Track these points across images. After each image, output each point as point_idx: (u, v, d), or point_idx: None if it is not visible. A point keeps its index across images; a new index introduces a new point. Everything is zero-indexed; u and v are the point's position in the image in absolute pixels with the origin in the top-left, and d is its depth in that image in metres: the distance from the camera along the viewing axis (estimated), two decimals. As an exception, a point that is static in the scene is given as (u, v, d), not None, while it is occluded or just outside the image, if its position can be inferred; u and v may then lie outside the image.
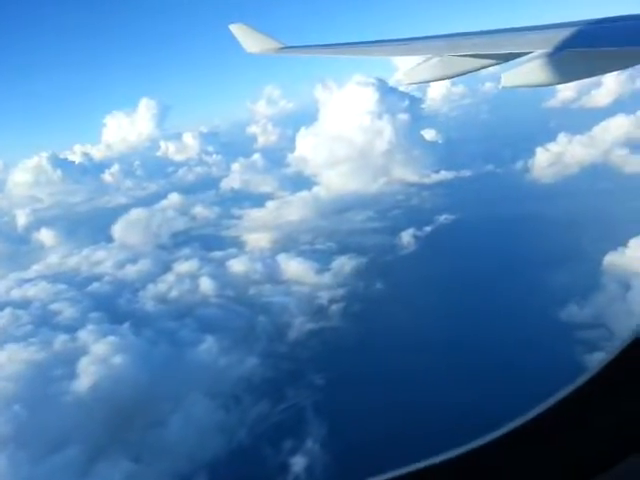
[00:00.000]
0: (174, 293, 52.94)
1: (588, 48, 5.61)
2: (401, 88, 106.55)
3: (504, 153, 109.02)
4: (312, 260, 57.71)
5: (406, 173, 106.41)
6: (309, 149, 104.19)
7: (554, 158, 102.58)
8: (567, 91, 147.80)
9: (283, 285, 53.25)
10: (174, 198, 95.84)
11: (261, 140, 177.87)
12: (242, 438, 30.26)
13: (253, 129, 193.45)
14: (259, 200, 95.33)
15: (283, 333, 42.52)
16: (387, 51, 8.41)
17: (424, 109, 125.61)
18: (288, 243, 68.32)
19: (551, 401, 1.66)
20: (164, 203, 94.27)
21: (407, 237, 62.81)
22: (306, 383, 35.58)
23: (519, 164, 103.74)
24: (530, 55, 5.77)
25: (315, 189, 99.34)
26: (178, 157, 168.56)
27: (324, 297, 48.41)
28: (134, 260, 63.24)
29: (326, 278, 53.38)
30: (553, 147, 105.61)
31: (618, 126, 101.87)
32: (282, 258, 58.62)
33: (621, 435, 1.60)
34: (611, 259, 53.43)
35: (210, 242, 70.63)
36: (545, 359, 43.23)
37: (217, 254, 62.28)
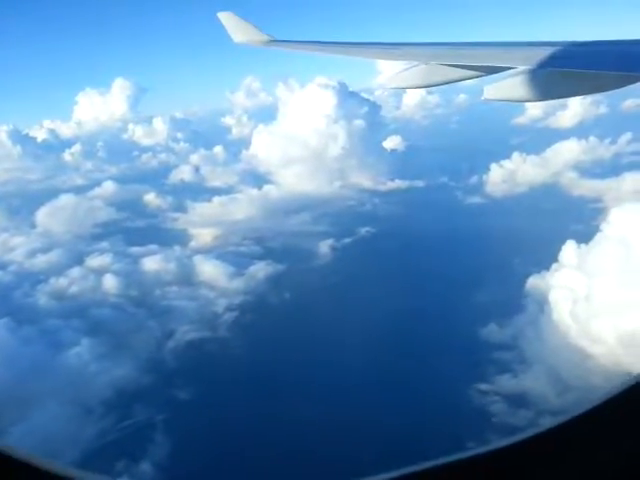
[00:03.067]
0: (74, 289, 51.60)
1: (569, 69, 5.71)
2: (363, 94, 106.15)
3: (462, 166, 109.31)
4: (230, 263, 56.85)
5: (362, 179, 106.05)
6: (264, 147, 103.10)
7: (507, 175, 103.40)
8: (535, 109, 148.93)
9: (191, 288, 52.30)
10: (109, 186, 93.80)
11: (235, 132, 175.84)
12: (76, 455, 29.13)
13: (227, 120, 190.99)
14: (208, 194, 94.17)
15: (164, 341, 41.55)
16: (374, 54, 8.64)
17: (385, 116, 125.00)
18: (218, 243, 67.42)
19: (539, 429, 1.56)
20: (97, 191, 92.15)
21: (325, 247, 62.22)
22: (168, 397, 34.68)
23: (474, 179, 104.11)
24: (513, 70, 5.91)
25: (267, 188, 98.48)
26: (146, 141, 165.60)
27: (222, 304, 47.52)
28: (47, 250, 61.61)
29: (236, 284, 52.60)
30: (508, 164, 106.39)
31: (571, 149, 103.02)
32: (199, 259, 57.58)
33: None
34: (534, 281, 53.64)
35: (139, 235, 69.23)
36: (452, 377, 43.28)
37: (135, 250, 60.93)
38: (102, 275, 53.00)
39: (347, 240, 67.35)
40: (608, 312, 43.34)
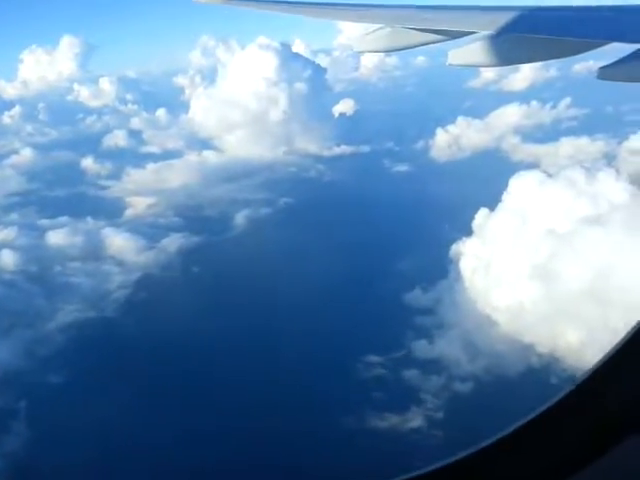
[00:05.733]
0: (-32, 265, 49.52)
1: (531, 34, 5.78)
2: (321, 54, 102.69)
3: (410, 131, 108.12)
4: (142, 236, 55.15)
5: (307, 144, 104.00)
6: (204, 111, 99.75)
7: (452, 140, 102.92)
8: (489, 72, 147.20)
9: (95, 263, 50.66)
10: (27, 153, 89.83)
11: (188, 93, 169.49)
12: None
13: (180, 80, 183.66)
14: (145, 160, 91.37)
15: (46, 322, 40.24)
16: (335, 15, 8.59)
17: (328, 79, 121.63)
18: (140, 213, 65.43)
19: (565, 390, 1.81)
20: (15, 159, 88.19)
21: (240, 218, 60.83)
22: (36, 383, 33.63)
23: (420, 144, 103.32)
24: (476, 35, 6.00)
25: (206, 154, 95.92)
26: (94, 103, 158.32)
27: (118, 281, 46.11)
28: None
29: (143, 258, 51.09)
30: (453, 129, 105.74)
31: (513, 113, 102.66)
32: (110, 232, 55.71)
33: (621, 416, 1.72)
34: (457, 247, 53.73)
35: (58, 206, 66.71)
36: (373, 341, 43.59)
37: (45, 222, 58.66)
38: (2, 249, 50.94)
39: (271, 210, 66.08)
40: (506, 281, 43.80)
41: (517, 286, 42.08)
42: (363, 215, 70.02)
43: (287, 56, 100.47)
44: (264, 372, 37.79)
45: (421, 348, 45.11)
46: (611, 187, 41.82)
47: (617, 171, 46.84)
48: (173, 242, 54.34)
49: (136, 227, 58.05)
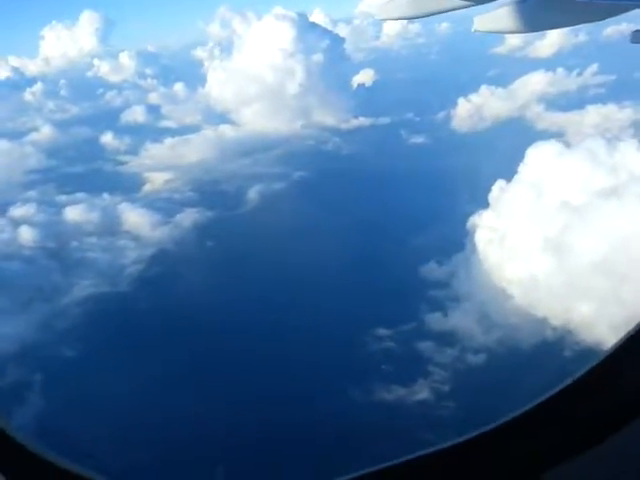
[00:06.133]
0: (-12, 241, 50.78)
1: None
2: (341, 23, 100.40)
3: (432, 100, 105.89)
4: (157, 211, 55.71)
5: (325, 117, 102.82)
6: (219, 84, 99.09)
7: (474, 110, 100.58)
8: (515, 39, 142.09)
9: (111, 238, 51.50)
10: (46, 130, 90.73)
11: (207, 66, 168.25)
12: None
13: (199, 53, 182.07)
14: (163, 135, 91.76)
15: (64, 295, 41.19)
16: None
17: (348, 49, 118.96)
18: (156, 189, 66.04)
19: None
20: (34, 136, 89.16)
21: (254, 193, 60.76)
22: (52, 356, 34.67)
23: (441, 114, 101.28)
24: (501, 0, 5.77)
25: (223, 128, 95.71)
26: (114, 78, 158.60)
27: (132, 256, 46.83)
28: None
29: (158, 233, 51.71)
30: (475, 99, 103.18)
31: (538, 81, 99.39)
32: (125, 207, 56.45)
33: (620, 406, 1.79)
34: (474, 220, 53.15)
35: (78, 182, 67.68)
36: (386, 314, 43.91)
37: (63, 199, 59.68)
38: (22, 225, 52.09)
39: (285, 184, 65.87)
40: (521, 254, 43.17)
41: (531, 259, 41.41)
42: (381, 188, 69.49)
43: (304, 26, 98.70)
44: (274, 345, 38.25)
45: (435, 320, 45.17)
46: (632, 158, 40.33)
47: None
48: (187, 217, 54.82)
49: (152, 202, 58.68)
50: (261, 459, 29.41)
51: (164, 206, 57.69)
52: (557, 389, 1.92)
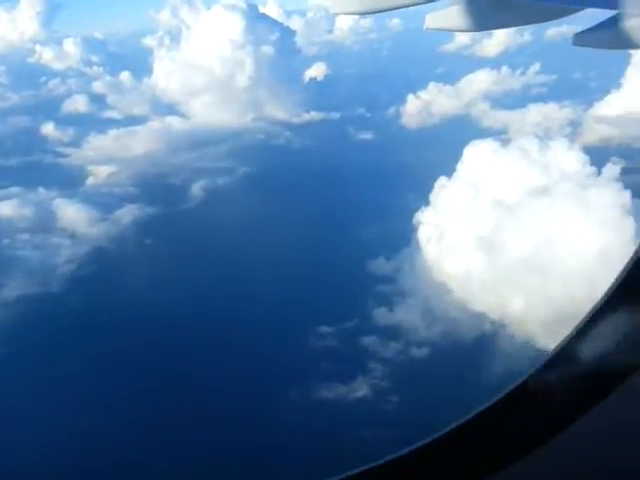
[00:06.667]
0: None
1: None
2: (295, 16, 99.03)
3: (383, 96, 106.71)
4: (96, 207, 53.84)
5: (277, 111, 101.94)
6: (166, 75, 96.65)
7: (422, 106, 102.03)
8: (464, 37, 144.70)
9: (45, 236, 49.44)
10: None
11: (156, 54, 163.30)
12: None
13: (149, 41, 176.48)
14: (107, 126, 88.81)
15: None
16: None
17: (300, 42, 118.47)
18: (97, 183, 63.87)
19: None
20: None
21: (197, 188, 59.66)
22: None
23: (392, 110, 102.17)
24: None
25: (170, 120, 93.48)
26: (57, 65, 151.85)
27: (65, 254, 45.12)
28: None
29: (95, 230, 50.01)
30: (424, 95, 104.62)
31: (484, 79, 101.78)
32: (61, 203, 54.29)
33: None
34: (420, 215, 53.78)
35: (13, 175, 64.71)
36: (332, 310, 43.90)
37: (-4, 193, 56.88)
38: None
39: (231, 179, 64.99)
40: (458, 250, 44.12)
41: (467, 255, 42.43)
42: (330, 183, 69.60)
43: (254, 17, 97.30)
44: (212, 345, 37.70)
45: (381, 315, 45.76)
46: (563, 157, 41.76)
47: (570, 140, 46.90)
48: (127, 213, 53.21)
49: (90, 197, 56.69)
50: (196, 464, 28.96)
51: (103, 201, 55.86)
52: (505, 392, 1.96)
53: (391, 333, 44.52)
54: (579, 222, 35.15)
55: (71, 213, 52.57)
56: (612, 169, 38.99)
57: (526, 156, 43.02)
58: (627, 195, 35.97)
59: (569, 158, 42.56)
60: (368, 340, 43.35)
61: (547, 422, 1.87)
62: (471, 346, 41.66)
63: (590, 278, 30.93)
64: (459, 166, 46.89)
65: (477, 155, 44.93)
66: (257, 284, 46.68)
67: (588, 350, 1.98)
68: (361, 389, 36.67)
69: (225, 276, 46.12)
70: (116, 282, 42.41)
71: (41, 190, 57.76)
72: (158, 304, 39.88)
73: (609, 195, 36.57)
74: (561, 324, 34.78)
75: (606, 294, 1.97)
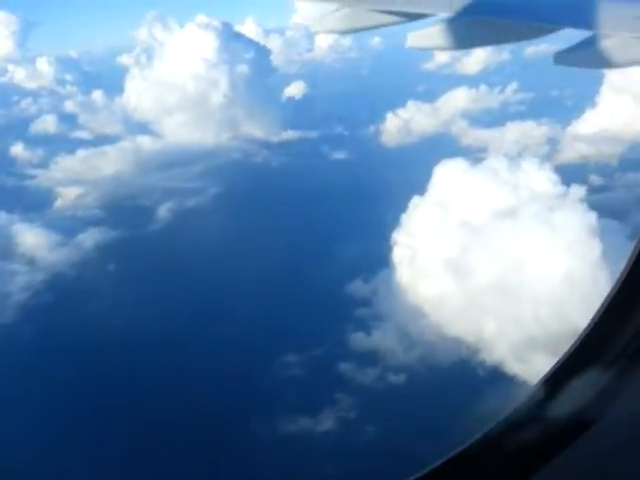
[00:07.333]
0: None
1: (488, 17, 5.96)
2: (274, 34, 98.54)
3: (362, 114, 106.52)
4: (57, 231, 51.47)
5: (253, 129, 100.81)
6: (137, 93, 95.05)
7: (402, 124, 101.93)
8: (443, 55, 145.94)
9: (1, 262, 46.97)
10: None
11: (133, 73, 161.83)
12: None
13: (125, 60, 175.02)
14: (76, 146, 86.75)
15: None
16: None
17: (279, 61, 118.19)
18: (62, 205, 61.61)
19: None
20: None
21: (164, 210, 57.62)
22: None
23: (371, 128, 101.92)
24: (435, 18, 6.16)
25: (142, 139, 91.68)
26: (30, 85, 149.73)
27: (20, 282, 42.77)
28: None
29: (55, 255, 47.67)
30: (403, 113, 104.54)
31: (462, 97, 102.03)
32: (21, 227, 51.90)
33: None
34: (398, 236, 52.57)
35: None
36: (309, 336, 42.57)
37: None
38: None
39: (201, 200, 63.14)
40: (429, 273, 43.04)
41: (437, 278, 41.31)
42: (307, 202, 68.41)
43: (229, 36, 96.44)
44: (172, 376, 35.68)
45: (358, 340, 44.65)
46: (533, 177, 40.95)
47: (548, 158, 46.25)
48: (89, 237, 50.93)
49: (53, 221, 54.38)
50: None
51: (66, 225, 53.54)
52: (500, 420, 2.00)
53: (366, 358, 43.17)
54: (547, 243, 34.26)
55: (30, 238, 50.20)
56: (581, 189, 38.49)
57: (496, 176, 42.08)
58: (594, 216, 35.34)
59: (540, 178, 41.73)
60: (345, 366, 41.93)
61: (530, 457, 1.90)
62: (445, 373, 40.42)
63: (558, 301, 30.28)
64: (430, 186, 45.81)
65: (447, 175, 43.86)
66: (225, 311, 44.87)
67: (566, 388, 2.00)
68: (328, 420, 34.95)
69: (191, 301, 44.12)
70: (72, 310, 40.20)
71: (1, 214, 55.39)
72: (114, 333, 37.68)
73: (577, 216, 35.82)
74: (530, 348, 33.82)
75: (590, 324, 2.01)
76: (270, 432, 32.24)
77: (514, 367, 34.53)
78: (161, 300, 42.44)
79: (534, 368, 31.51)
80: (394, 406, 38.17)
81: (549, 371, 2.11)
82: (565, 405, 2.01)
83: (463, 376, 39.12)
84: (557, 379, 2.06)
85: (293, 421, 33.77)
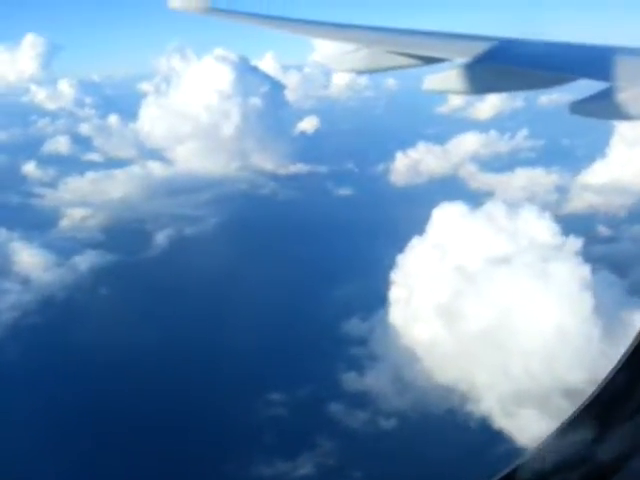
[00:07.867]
0: None
1: (505, 65, 6.06)
2: (293, 70, 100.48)
3: (373, 153, 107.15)
4: (54, 252, 51.36)
5: (263, 161, 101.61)
6: (151, 120, 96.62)
7: (411, 165, 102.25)
8: (457, 99, 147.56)
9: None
10: None
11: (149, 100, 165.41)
12: None
13: (145, 86, 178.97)
14: (86, 168, 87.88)
15: None
16: (317, 33, 9.14)
17: (295, 96, 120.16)
18: (67, 226, 61.77)
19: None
20: None
21: (162, 237, 57.45)
22: None
23: (381, 166, 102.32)
24: (452, 63, 6.31)
25: (152, 165, 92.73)
26: (50, 105, 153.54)
27: (10, 301, 42.38)
28: None
29: (49, 276, 47.39)
30: (413, 154, 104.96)
31: (473, 142, 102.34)
32: (19, 246, 51.92)
33: None
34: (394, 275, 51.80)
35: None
36: (301, 378, 41.64)
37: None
38: None
39: (199, 228, 62.96)
40: (422, 316, 42.18)
41: (430, 322, 40.40)
42: (309, 237, 68.09)
43: (244, 70, 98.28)
44: (152, 413, 34.70)
45: (350, 381, 43.54)
46: (531, 225, 40.41)
47: (548, 208, 45.82)
48: (85, 260, 50.70)
49: (52, 241, 54.37)
50: None
51: (65, 246, 53.49)
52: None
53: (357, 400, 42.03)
54: (540, 294, 33.42)
55: (27, 257, 50.11)
56: (578, 241, 37.84)
57: (494, 222, 41.57)
58: (588, 269, 34.61)
59: (538, 227, 41.12)
60: (334, 408, 40.82)
61: None
62: (436, 421, 39.19)
63: (549, 355, 29.33)
64: (428, 228, 45.33)
65: (446, 218, 43.41)
66: (218, 344, 43.99)
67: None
68: (306, 465, 33.69)
69: (180, 332, 43.29)
70: (60, 333, 39.60)
71: (2, 231, 55.55)
72: (99, 361, 36.92)
73: (572, 268, 35.06)
74: (518, 401, 32.68)
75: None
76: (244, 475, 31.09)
77: (502, 421, 33.30)
78: (149, 327, 41.72)
79: (522, 423, 30.43)
80: (383, 451, 36.96)
81: (569, 418, 2.05)
82: (585, 455, 1.96)
83: (453, 425, 37.89)
84: (577, 427, 2.01)
85: (269, 464, 32.54)
